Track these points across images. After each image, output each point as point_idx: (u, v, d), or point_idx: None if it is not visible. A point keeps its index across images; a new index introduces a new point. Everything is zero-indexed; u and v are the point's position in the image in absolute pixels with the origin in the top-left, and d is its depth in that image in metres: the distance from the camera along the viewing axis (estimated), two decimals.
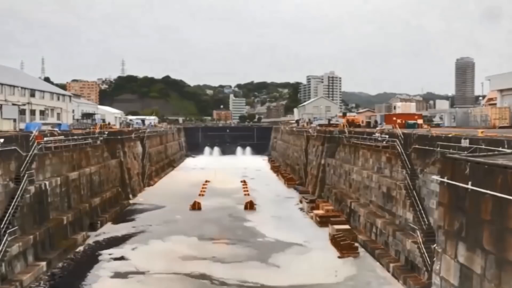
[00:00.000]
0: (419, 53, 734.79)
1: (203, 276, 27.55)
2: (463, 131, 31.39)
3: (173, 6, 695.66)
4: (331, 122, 77.88)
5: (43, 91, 69.07)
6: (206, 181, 66.93)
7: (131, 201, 53.63)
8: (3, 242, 24.29)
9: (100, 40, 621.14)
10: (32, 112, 63.47)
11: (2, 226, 25.06)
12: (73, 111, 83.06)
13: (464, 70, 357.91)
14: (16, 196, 27.04)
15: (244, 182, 66.96)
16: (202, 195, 56.90)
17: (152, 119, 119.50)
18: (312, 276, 27.05)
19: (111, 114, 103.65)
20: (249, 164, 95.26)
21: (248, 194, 57.06)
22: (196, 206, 48.52)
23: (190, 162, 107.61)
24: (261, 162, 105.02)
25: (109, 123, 79.61)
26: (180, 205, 49.58)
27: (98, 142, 49.54)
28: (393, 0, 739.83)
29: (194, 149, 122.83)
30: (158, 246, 34.28)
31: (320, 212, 42.81)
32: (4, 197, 26.86)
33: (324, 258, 30.87)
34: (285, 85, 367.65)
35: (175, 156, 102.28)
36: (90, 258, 31.66)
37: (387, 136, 35.43)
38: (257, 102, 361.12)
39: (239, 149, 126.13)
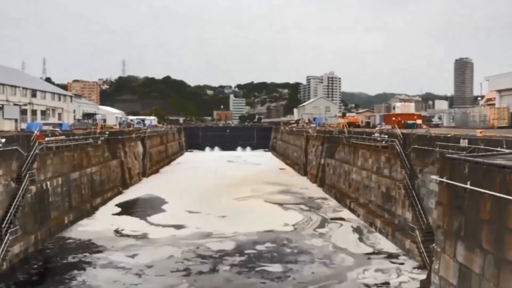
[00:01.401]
0: (418, 53, 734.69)
1: None
2: (462, 131, 31.51)
3: (173, 7, 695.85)
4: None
5: (45, 91, 69.22)
6: None
7: None
8: (4, 242, 24.45)
9: (101, 40, 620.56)
10: (34, 112, 63.64)
11: (3, 225, 25.19)
12: (74, 111, 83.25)
13: (463, 71, 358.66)
14: (18, 196, 27.17)
15: None
16: None
17: (152, 119, 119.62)
18: None
19: (111, 114, 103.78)
20: (255, 162, 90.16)
21: None
22: None
23: (184, 160, 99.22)
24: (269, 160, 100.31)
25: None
26: None
27: (99, 142, 49.67)
28: (394, 0, 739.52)
29: (195, 149, 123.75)
30: None
31: None
32: (6, 197, 26.97)
33: None
34: (285, 85, 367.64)
35: (175, 156, 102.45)
36: None
37: (386, 136, 35.55)
38: (257, 102, 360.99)
39: (239, 149, 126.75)
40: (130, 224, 36.10)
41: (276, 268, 25.04)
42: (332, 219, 37.81)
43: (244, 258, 27.11)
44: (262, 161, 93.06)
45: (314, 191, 53.52)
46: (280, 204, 44.56)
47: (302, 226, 35.20)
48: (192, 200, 46.62)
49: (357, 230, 33.85)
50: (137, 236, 32.23)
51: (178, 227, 34.79)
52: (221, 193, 51.35)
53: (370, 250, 28.60)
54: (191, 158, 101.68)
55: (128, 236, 32.29)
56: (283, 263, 25.81)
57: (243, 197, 48.68)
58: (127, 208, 43.36)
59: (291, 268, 24.89)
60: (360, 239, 31.27)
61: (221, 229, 33.78)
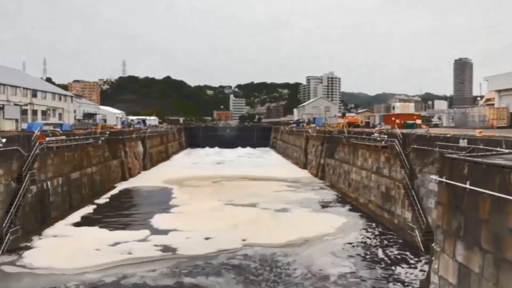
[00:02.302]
0: (418, 53, 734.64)
1: None
2: (461, 131, 31.55)
3: (173, 8, 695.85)
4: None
5: (45, 92, 69.22)
6: None
7: None
8: (5, 241, 24.53)
9: (101, 41, 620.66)
10: (34, 112, 63.63)
11: (4, 225, 25.27)
12: (74, 111, 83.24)
13: (463, 71, 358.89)
14: (18, 196, 27.24)
15: None
16: None
17: (152, 119, 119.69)
18: None
19: (112, 114, 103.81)
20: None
21: None
22: None
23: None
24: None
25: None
26: None
27: (100, 142, 49.73)
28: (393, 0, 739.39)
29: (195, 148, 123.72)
30: None
31: None
32: (6, 197, 27.00)
33: None
34: (285, 85, 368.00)
35: (176, 156, 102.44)
36: None
37: (386, 136, 35.59)
38: (257, 103, 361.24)
39: (239, 148, 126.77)
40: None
41: None
42: None
43: None
44: (264, 159, 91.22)
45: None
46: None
47: None
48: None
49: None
50: None
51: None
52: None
53: None
54: (189, 156, 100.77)
55: None
56: None
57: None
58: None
59: None
60: None
61: None
